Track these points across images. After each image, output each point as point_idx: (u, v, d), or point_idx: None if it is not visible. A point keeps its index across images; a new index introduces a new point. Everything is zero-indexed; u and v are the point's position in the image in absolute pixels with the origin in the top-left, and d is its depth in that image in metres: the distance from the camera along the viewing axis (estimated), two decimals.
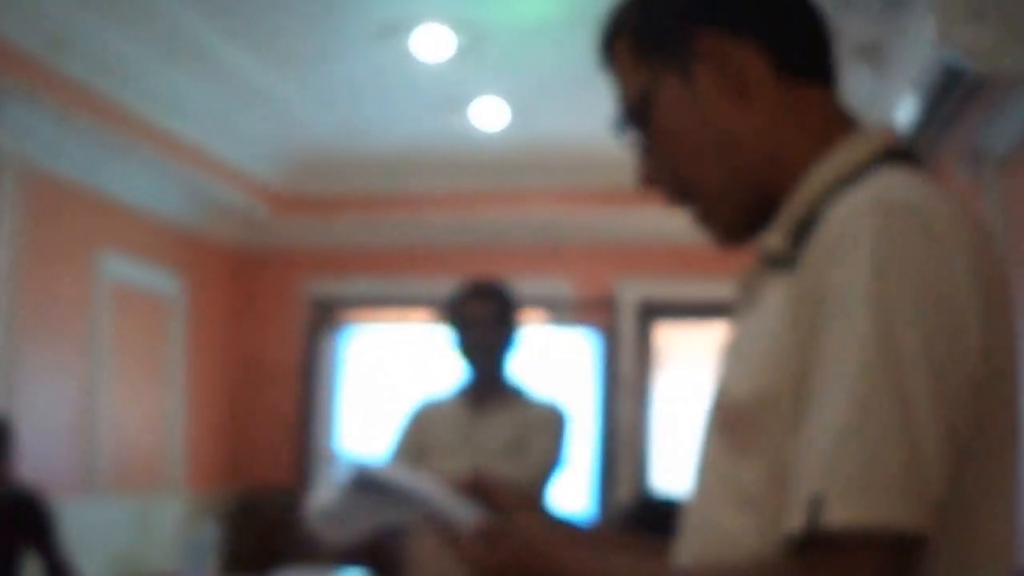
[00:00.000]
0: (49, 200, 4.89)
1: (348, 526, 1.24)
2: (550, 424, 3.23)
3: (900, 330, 0.92)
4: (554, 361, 6.27)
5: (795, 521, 0.92)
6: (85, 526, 4.90)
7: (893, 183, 1.00)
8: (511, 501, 1.19)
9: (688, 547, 1.11)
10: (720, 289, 4.86)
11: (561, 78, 5.04)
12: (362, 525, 1.24)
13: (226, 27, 4.71)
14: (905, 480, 0.89)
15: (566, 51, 4.69)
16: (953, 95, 3.39)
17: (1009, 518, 1.01)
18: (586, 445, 6.07)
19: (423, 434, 3.28)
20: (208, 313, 6.40)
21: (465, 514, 1.13)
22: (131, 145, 5.13)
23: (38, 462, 4.48)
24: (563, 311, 6.40)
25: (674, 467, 6.24)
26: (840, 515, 0.89)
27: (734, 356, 1.12)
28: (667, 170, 1.19)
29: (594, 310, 6.36)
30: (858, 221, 0.96)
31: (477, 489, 1.20)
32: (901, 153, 1.10)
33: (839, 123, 1.14)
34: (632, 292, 6.35)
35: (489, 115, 5.64)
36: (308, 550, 5.43)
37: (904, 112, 3.74)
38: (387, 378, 6.56)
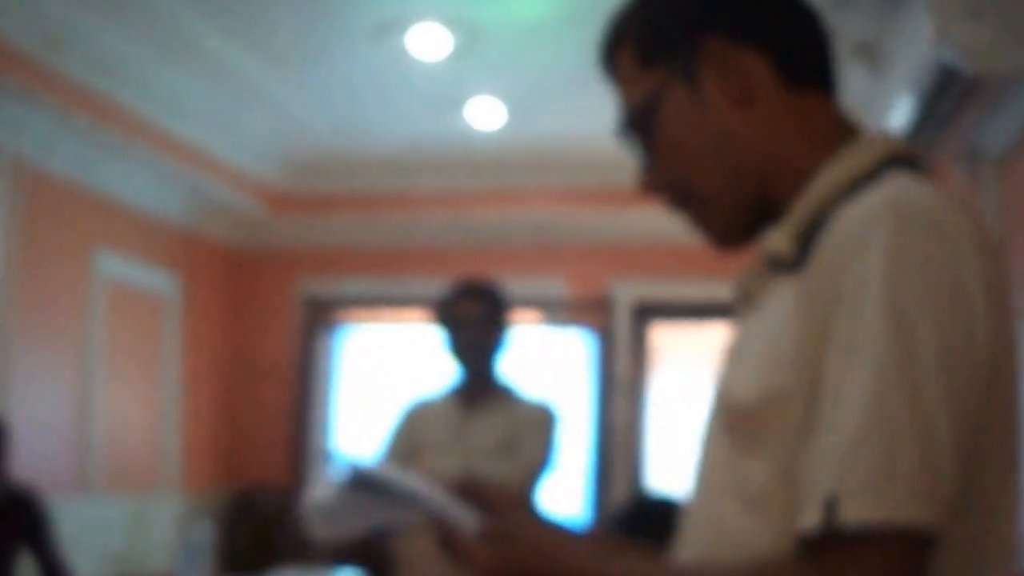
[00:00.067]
0: (46, 199, 4.88)
1: (344, 525, 1.24)
2: (541, 424, 3.24)
3: (913, 330, 0.93)
4: (549, 361, 6.28)
5: (811, 520, 0.92)
6: (80, 525, 4.90)
7: (903, 187, 1.01)
8: (502, 502, 1.19)
9: (690, 547, 1.11)
10: (716, 290, 4.88)
11: (557, 78, 5.04)
12: (358, 524, 1.23)
13: (223, 27, 4.71)
14: (920, 478, 0.90)
15: (562, 51, 4.69)
16: (950, 94, 3.39)
17: (1012, 518, 1.02)
18: (581, 446, 6.07)
19: (415, 433, 3.29)
20: (204, 312, 6.40)
21: (462, 515, 1.13)
22: (128, 144, 5.13)
23: (33, 461, 4.48)
24: (558, 311, 6.40)
25: (670, 467, 6.24)
26: (857, 513, 0.90)
27: (737, 357, 1.12)
28: (668, 175, 1.20)
29: (590, 310, 6.36)
30: (871, 223, 0.97)
31: (468, 490, 1.20)
32: (906, 159, 1.10)
33: (841, 128, 1.15)
34: (628, 292, 6.35)
35: (485, 115, 5.64)
36: (304, 549, 5.44)
37: (901, 111, 3.74)
38: (383, 378, 6.56)
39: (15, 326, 4.65)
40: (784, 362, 1.01)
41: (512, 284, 3.83)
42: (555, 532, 1.15)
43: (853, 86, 4.03)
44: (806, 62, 1.17)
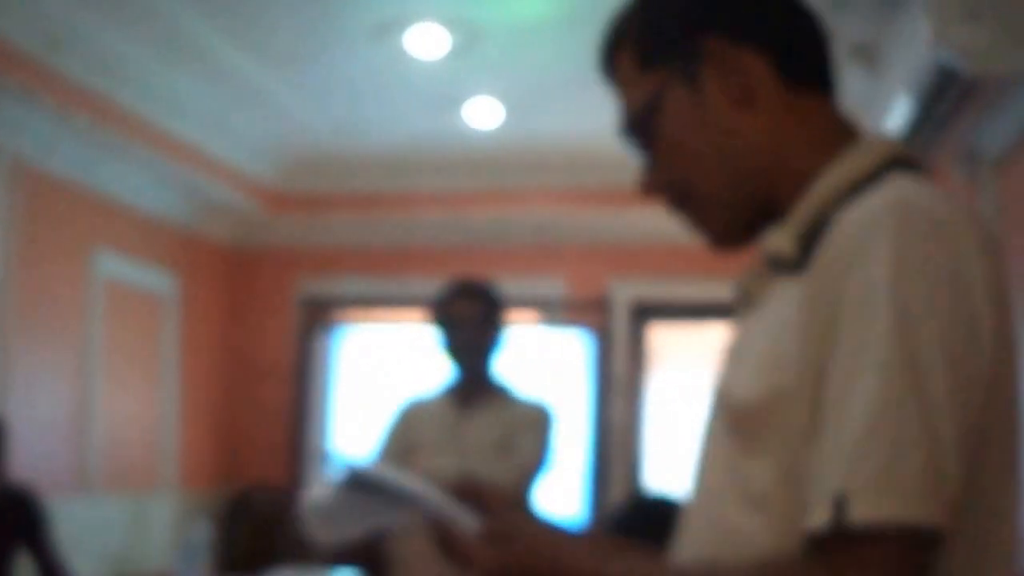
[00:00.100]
0: (45, 198, 4.89)
1: (342, 526, 1.24)
2: (536, 424, 3.24)
3: (917, 331, 0.94)
4: (547, 361, 6.27)
5: (819, 519, 0.93)
6: (79, 525, 4.90)
7: (904, 189, 1.02)
8: (498, 502, 1.19)
9: (691, 547, 1.11)
10: (713, 290, 4.89)
11: (555, 78, 5.04)
12: (356, 525, 1.23)
13: (223, 27, 4.71)
14: (925, 478, 0.91)
15: (560, 51, 4.69)
16: (948, 95, 3.39)
17: (1012, 518, 1.02)
18: (579, 446, 6.07)
19: (410, 433, 3.30)
20: (202, 312, 6.40)
21: (459, 515, 1.13)
22: (127, 144, 5.13)
23: (32, 461, 4.48)
24: (556, 311, 6.40)
25: (668, 468, 6.24)
26: (864, 512, 0.91)
27: (737, 357, 1.13)
28: (669, 175, 1.20)
29: (587, 310, 6.36)
30: (876, 224, 0.97)
31: (464, 491, 1.20)
32: (907, 161, 1.11)
33: (841, 130, 1.16)
34: (625, 292, 6.35)
35: (483, 114, 5.64)
36: (303, 549, 5.43)
37: (899, 113, 3.74)
38: (382, 378, 6.55)
39: (14, 326, 4.65)
40: (786, 362, 1.01)
41: (510, 284, 3.84)
42: (553, 532, 1.15)
43: (851, 87, 4.03)
44: (806, 63, 1.17)
